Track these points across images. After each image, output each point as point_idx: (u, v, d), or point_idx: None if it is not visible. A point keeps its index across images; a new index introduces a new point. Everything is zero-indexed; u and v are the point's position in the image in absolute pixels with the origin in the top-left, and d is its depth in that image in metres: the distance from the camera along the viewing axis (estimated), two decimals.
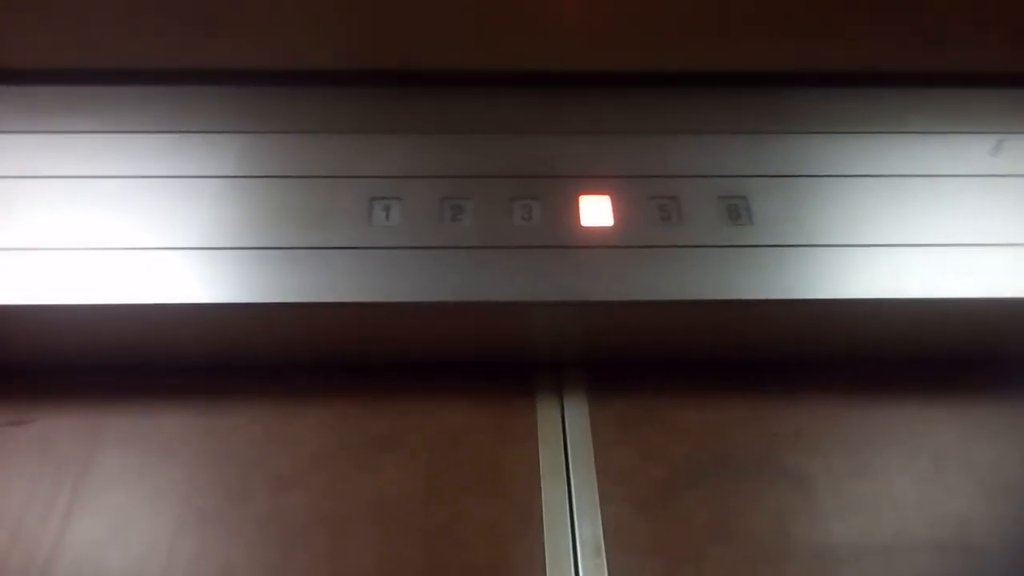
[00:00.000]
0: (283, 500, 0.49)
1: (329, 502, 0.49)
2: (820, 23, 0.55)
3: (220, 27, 0.55)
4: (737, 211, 0.53)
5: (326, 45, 0.57)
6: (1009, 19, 0.54)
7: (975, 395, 0.55)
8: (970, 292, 0.50)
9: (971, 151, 0.55)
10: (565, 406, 0.54)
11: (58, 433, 0.52)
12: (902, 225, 0.52)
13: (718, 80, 0.58)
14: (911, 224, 0.52)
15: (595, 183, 0.54)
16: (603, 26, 0.55)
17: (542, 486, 0.50)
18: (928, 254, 0.51)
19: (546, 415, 0.53)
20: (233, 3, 0.53)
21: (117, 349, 0.53)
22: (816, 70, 0.58)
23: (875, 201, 0.53)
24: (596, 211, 0.53)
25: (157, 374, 0.54)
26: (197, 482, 0.50)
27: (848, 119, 0.57)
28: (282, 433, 0.52)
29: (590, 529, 0.48)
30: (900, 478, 0.51)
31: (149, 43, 0.56)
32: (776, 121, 0.57)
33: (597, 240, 0.51)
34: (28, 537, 0.47)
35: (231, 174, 0.53)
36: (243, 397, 0.54)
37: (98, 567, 0.46)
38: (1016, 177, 0.54)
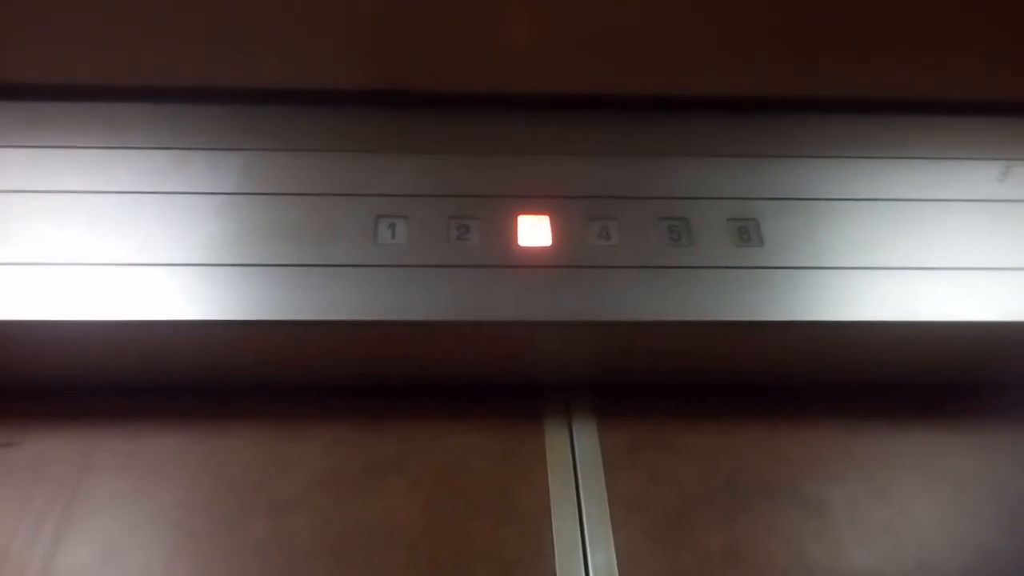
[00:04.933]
0: (282, 526, 0.47)
1: (330, 528, 0.47)
2: (830, 50, 0.55)
3: (224, 46, 0.54)
4: (747, 233, 0.52)
5: (334, 65, 0.56)
6: (1017, 49, 0.55)
7: (992, 420, 0.54)
8: (979, 316, 0.50)
9: (979, 177, 0.56)
10: (574, 430, 0.53)
11: (48, 455, 0.50)
12: (912, 249, 0.52)
13: (730, 105, 0.58)
14: (921, 248, 0.52)
15: (602, 205, 0.53)
16: (615, 51, 0.55)
17: (552, 513, 0.48)
18: (937, 277, 0.51)
19: (555, 439, 0.52)
20: (236, 23, 0.53)
21: (111, 368, 0.52)
22: (827, 96, 0.58)
23: (885, 225, 0.53)
24: (605, 231, 0.52)
25: (152, 394, 0.52)
26: (192, 506, 0.48)
27: (858, 144, 0.57)
28: (281, 456, 0.50)
29: (603, 556, 0.47)
30: (919, 504, 0.50)
31: (151, 60, 0.55)
32: (787, 145, 0.57)
33: (606, 260, 0.51)
34: (15, 562, 0.45)
35: (233, 191, 0.52)
36: (241, 419, 0.52)
37: None
38: None
